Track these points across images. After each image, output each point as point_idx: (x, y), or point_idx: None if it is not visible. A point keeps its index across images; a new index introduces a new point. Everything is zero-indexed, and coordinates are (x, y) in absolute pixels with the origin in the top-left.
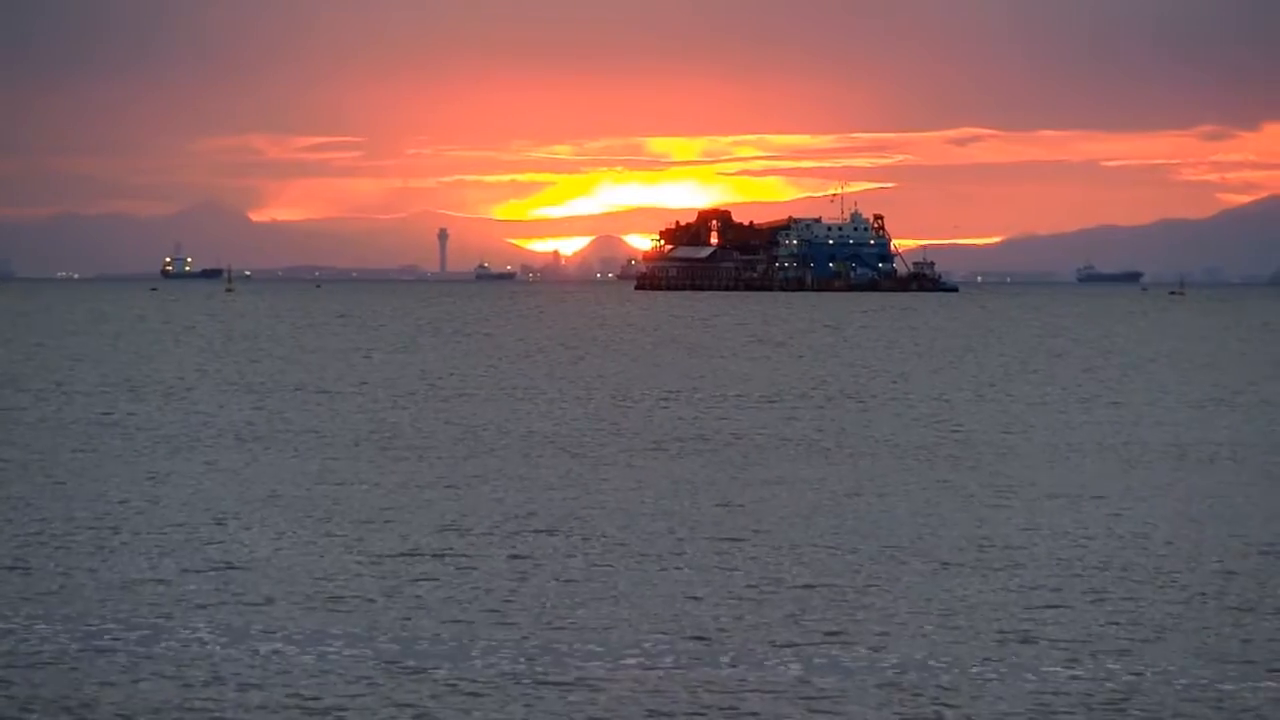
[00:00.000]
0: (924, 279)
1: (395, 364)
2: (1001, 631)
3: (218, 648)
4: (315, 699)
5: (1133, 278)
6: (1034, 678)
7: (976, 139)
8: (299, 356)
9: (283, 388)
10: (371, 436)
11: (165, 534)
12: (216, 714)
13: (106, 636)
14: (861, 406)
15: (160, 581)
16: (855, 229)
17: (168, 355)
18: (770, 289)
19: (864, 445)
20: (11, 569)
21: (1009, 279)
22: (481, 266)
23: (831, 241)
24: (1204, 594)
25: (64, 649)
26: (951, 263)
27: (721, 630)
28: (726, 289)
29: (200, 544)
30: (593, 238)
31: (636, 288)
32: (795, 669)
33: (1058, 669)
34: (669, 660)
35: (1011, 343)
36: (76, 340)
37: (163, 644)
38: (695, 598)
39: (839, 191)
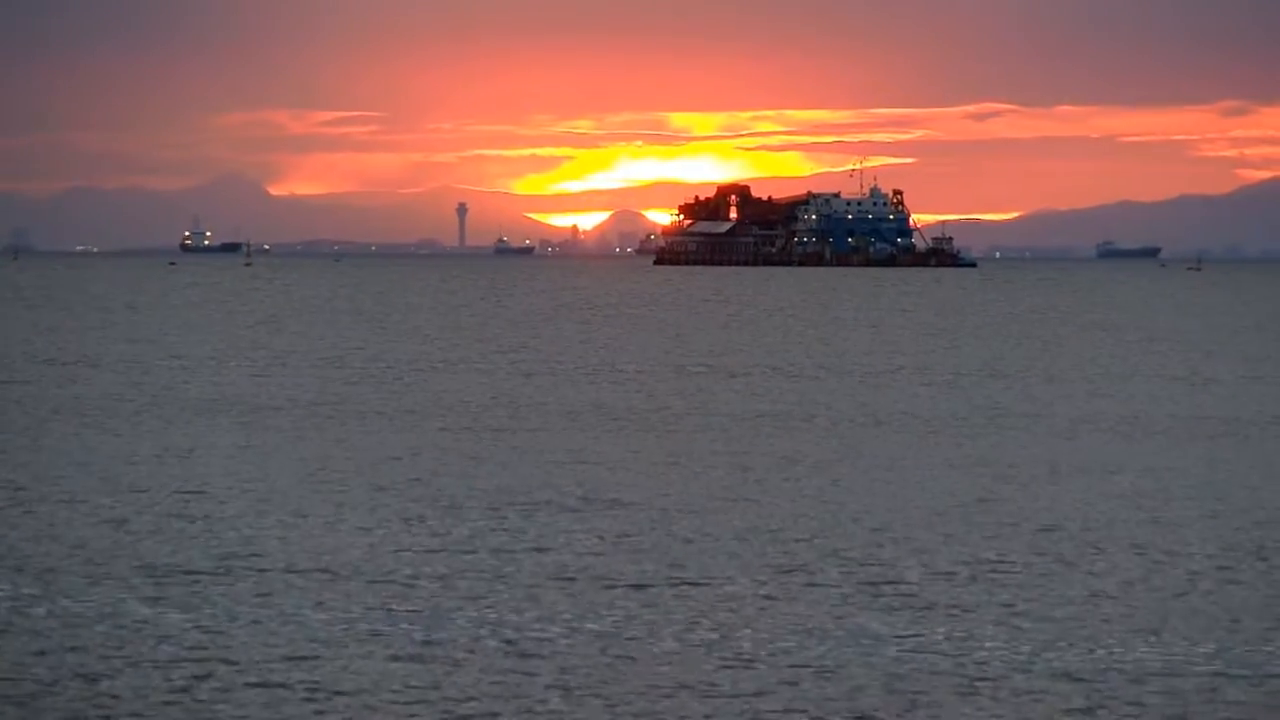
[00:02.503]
0: (942, 254)
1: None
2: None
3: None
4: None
5: (1151, 253)
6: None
7: (996, 114)
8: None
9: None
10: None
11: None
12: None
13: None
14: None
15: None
16: (874, 204)
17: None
18: (789, 264)
19: (890, 419)
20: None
21: (1028, 254)
22: (501, 241)
23: (850, 216)
24: (1223, 568)
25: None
26: (970, 238)
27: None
28: (745, 264)
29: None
30: (612, 212)
31: (655, 262)
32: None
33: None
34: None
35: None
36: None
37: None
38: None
39: (858, 166)
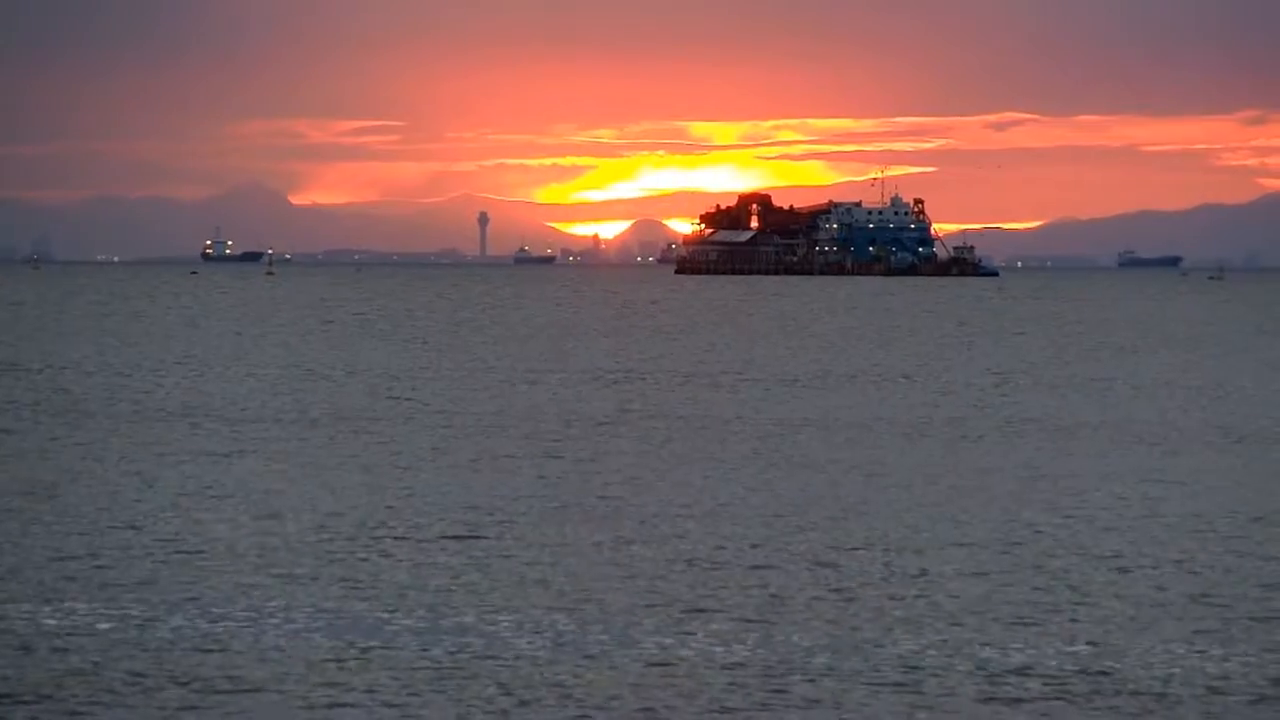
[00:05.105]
0: (964, 263)
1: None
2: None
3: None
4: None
5: (1172, 262)
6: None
7: (1017, 123)
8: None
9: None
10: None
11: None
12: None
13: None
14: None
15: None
16: (895, 213)
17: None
18: (810, 273)
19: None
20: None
21: (1049, 263)
22: (521, 250)
23: (872, 225)
24: (1236, 573)
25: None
26: (991, 247)
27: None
28: (766, 273)
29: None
30: (633, 221)
31: (677, 271)
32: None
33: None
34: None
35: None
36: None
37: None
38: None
39: (879, 175)
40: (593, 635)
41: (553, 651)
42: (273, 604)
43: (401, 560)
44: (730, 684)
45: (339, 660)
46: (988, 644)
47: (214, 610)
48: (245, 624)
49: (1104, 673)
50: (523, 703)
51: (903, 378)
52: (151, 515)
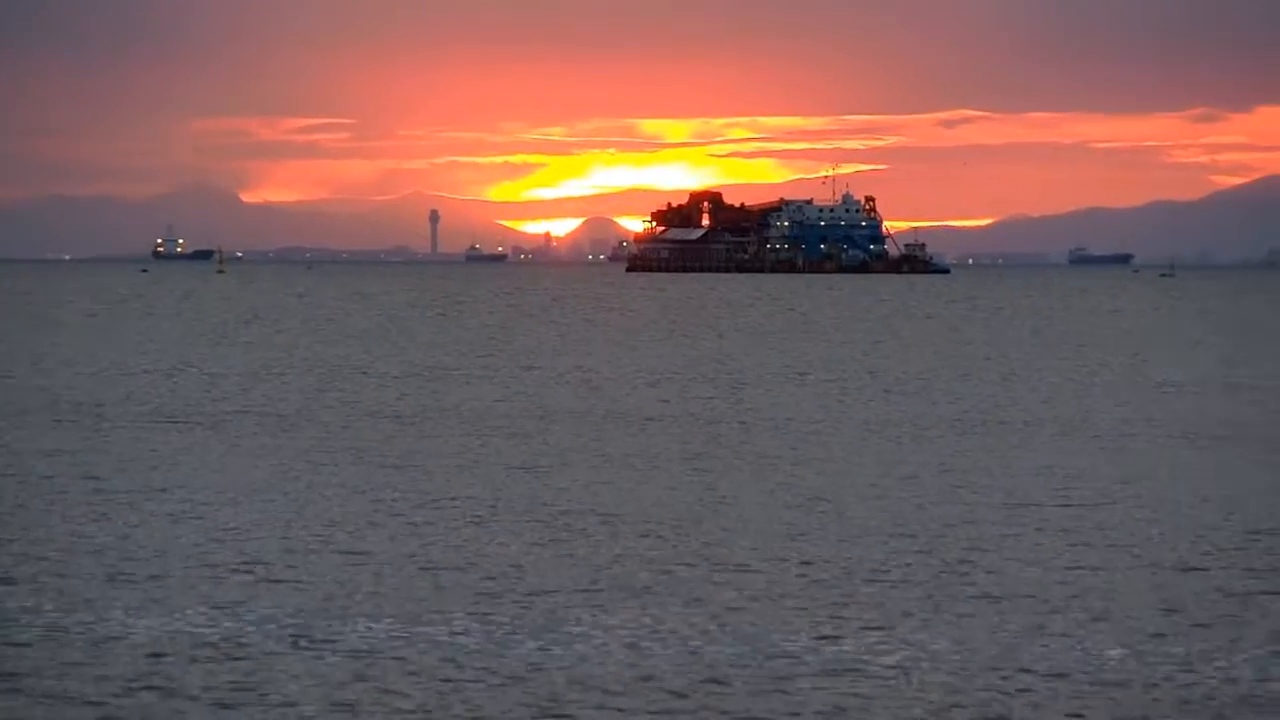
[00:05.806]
0: (915, 261)
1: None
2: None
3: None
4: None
5: (1123, 259)
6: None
7: (968, 121)
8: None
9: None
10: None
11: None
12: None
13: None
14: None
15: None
16: (847, 211)
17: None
18: (761, 270)
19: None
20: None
21: (1000, 260)
22: (473, 248)
23: (823, 223)
24: (1187, 570)
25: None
26: (943, 244)
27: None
28: (717, 271)
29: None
30: (584, 219)
31: (628, 269)
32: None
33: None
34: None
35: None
36: None
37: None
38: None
39: (831, 173)
40: (520, 637)
41: (478, 654)
42: (199, 604)
43: (334, 559)
44: (657, 685)
45: (262, 657)
46: (938, 643)
47: (133, 609)
48: (168, 623)
49: (1055, 674)
50: (445, 706)
51: (852, 374)
52: (78, 515)
